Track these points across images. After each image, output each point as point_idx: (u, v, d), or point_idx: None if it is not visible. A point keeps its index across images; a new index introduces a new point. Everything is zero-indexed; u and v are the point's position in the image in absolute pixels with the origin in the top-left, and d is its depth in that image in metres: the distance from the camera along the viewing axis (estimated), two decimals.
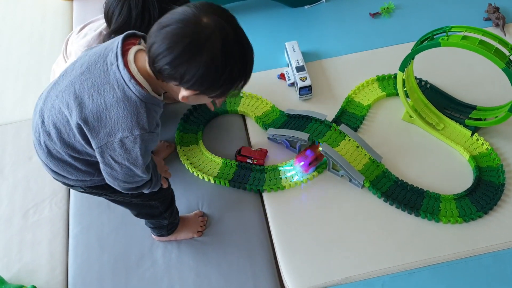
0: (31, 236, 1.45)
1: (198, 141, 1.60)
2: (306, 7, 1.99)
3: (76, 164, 1.04)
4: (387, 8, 1.92)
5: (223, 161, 1.54)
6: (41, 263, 1.39)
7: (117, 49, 0.92)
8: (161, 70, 0.87)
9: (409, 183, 1.44)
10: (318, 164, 1.50)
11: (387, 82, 1.69)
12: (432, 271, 1.29)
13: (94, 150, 0.97)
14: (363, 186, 1.44)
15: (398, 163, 1.50)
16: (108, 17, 1.29)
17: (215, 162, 1.55)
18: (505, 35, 1.79)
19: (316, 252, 1.35)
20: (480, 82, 1.65)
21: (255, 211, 1.45)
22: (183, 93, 0.90)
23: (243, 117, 1.70)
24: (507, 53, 1.31)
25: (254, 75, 1.74)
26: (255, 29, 1.91)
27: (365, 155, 1.49)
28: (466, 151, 1.49)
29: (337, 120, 1.61)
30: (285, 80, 1.74)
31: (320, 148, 1.46)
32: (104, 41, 1.28)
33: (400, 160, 1.51)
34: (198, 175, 1.53)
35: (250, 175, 1.50)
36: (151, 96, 0.93)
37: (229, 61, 0.85)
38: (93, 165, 1.05)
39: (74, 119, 0.94)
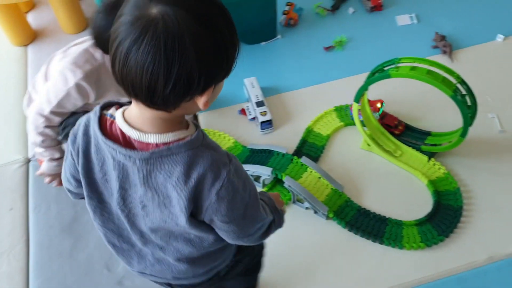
0: None
1: None
2: (262, 43, 2.03)
3: (219, 246, 0.89)
4: (339, 41, 1.99)
5: None
6: None
7: (113, 146, 0.73)
8: (166, 101, 0.67)
9: (372, 211, 1.47)
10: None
11: (344, 112, 1.74)
12: None
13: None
14: (327, 217, 1.45)
15: (359, 191, 1.53)
16: (102, 39, 1.19)
17: None
18: (452, 62, 1.88)
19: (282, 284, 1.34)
20: (433, 109, 1.72)
21: None
22: (202, 100, 0.70)
23: None
24: (454, 81, 1.38)
25: (215, 112, 1.80)
26: None
27: (327, 185, 1.51)
28: (424, 176, 1.53)
29: (299, 151, 1.64)
30: (246, 115, 1.76)
31: (286, 183, 1.47)
32: (90, 59, 1.26)
33: (362, 188, 1.54)
34: None
35: None
36: (195, 133, 0.74)
37: (215, 30, 0.66)
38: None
39: (182, 223, 0.77)
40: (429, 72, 1.35)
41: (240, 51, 0.72)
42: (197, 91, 0.68)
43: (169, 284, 0.97)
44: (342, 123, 1.71)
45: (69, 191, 0.93)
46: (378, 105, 1.63)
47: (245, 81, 1.81)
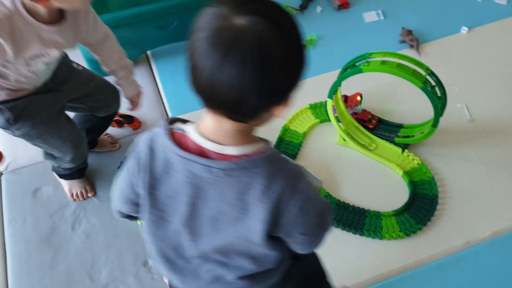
0: None
1: None
2: None
3: (277, 265, 0.88)
4: (310, 40, 2.01)
5: None
6: None
7: (190, 160, 0.70)
8: (252, 112, 0.67)
9: (351, 204, 1.49)
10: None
11: (319, 110, 1.76)
12: None
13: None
14: None
15: (338, 185, 1.55)
16: None
17: None
18: (420, 55, 1.93)
19: None
20: (403, 102, 1.76)
21: None
22: (283, 109, 0.68)
23: None
24: (424, 73, 1.41)
25: (189, 116, 1.77)
26: (184, 72, 1.93)
27: None
28: (399, 167, 1.57)
29: (276, 149, 1.65)
30: None
31: None
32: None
33: (340, 183, 1.56)
34: (141, 223, 1.49)
35: None
36: (270, 146, 0.75)
37: (295, 39, 0.66)
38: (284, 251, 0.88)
39: (256, 238, 0.75)
40: (399, 65, 1.38)
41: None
42: (283, 100, 0.67)
43: None
44: (317, 120, 1.73)
45: (120, 212, 0.90)
46: (358, 98, 1.66)
47: None
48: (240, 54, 0.60)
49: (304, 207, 0.73)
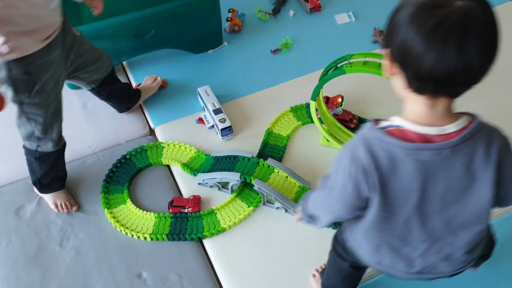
0: None
1: (126, 200, 1.55)
2: (209, 51, 2.04)
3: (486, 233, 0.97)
4: (285, 43, 2.04)
5: (156, 215, 1.51)
6: None
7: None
8: (473, 85, 0.75)
9: None
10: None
11: (300, 112, 1.78)
12: (374, 284, 1.37)
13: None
14: None
15: None
16: None
17: (148, 218, 1.51)
18: None
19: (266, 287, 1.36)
20: (381, 101, 1.80)
21: (199, 260, 1.43)
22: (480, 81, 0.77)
23: (168, 167, 1.68)
24: None
25: (171, 124, 1.78)
26: (164, 79, 1.92)
27: (295, 183, 1.55)
28: None
29: (262, 153, 1.66)
30: (204, 124, 1.76)
31: (255, 185, 1.49)
32: None
33: None
34: (132, 235, 1.48)
35: (187, 224, 1.48)
36: (473, 114, 0.83)
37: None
38: None
39: (485, 200, 0.84)
40: (380, 65, 1.42)
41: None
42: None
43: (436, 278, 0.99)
44: (299, 122, 1.75)
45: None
46: (339, 100, 1.69)
47: (199, 90, 1.80)
48: (476, 34, 0.67)
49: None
